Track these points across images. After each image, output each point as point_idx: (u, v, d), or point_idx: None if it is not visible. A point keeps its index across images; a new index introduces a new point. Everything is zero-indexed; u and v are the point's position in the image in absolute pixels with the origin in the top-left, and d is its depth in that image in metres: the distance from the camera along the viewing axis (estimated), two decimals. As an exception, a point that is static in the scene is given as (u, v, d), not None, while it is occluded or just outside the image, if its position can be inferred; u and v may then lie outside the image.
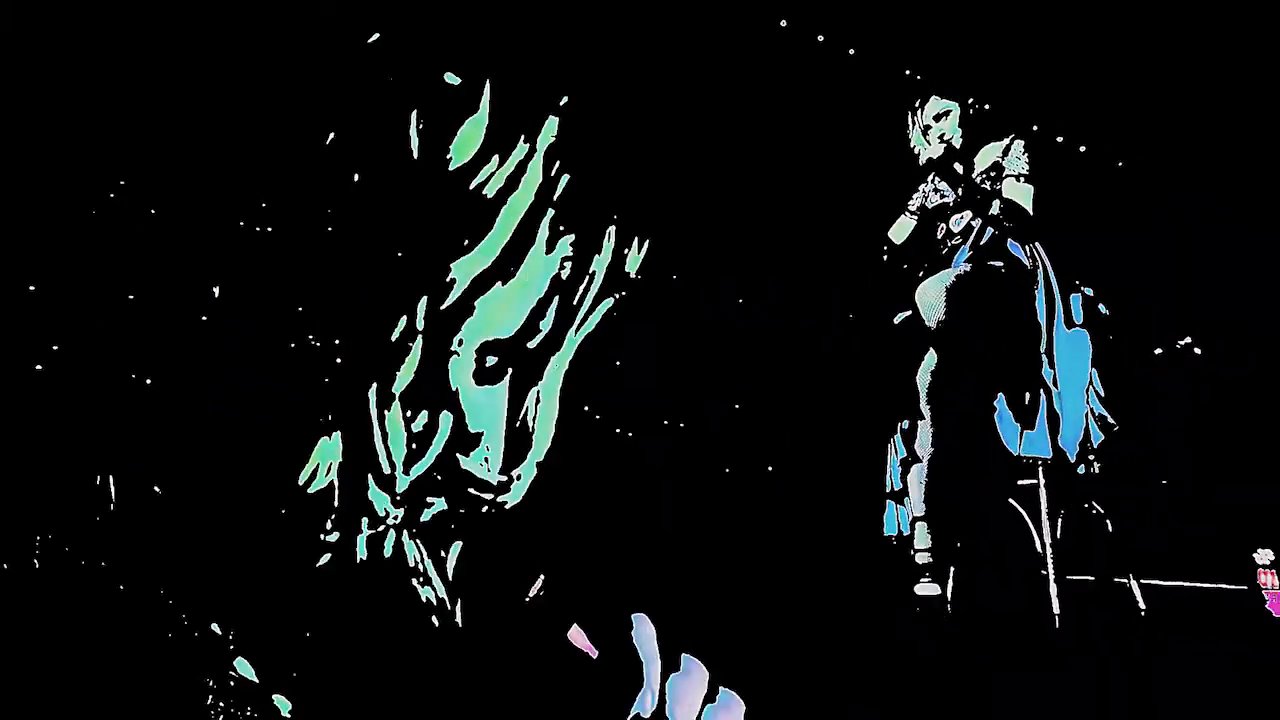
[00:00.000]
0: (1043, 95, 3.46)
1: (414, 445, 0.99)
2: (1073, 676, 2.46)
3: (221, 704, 0.83)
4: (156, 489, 0.92)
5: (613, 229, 1.03)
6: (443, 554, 1.06)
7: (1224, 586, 2.66)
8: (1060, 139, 3.51)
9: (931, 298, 2.78)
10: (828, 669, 2.41)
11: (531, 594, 1.17)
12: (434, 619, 1.03)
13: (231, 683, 0.85)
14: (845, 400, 3.09)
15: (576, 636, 1.16)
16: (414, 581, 1.02)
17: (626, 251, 1.06)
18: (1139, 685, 2.34)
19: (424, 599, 1.03)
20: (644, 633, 1.20)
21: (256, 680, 0.88)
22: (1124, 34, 3.57)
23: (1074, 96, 3.55)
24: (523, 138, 0.96)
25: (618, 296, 1.08)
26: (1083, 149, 3.57)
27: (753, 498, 3.18)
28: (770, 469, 3.09)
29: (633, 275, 1.07)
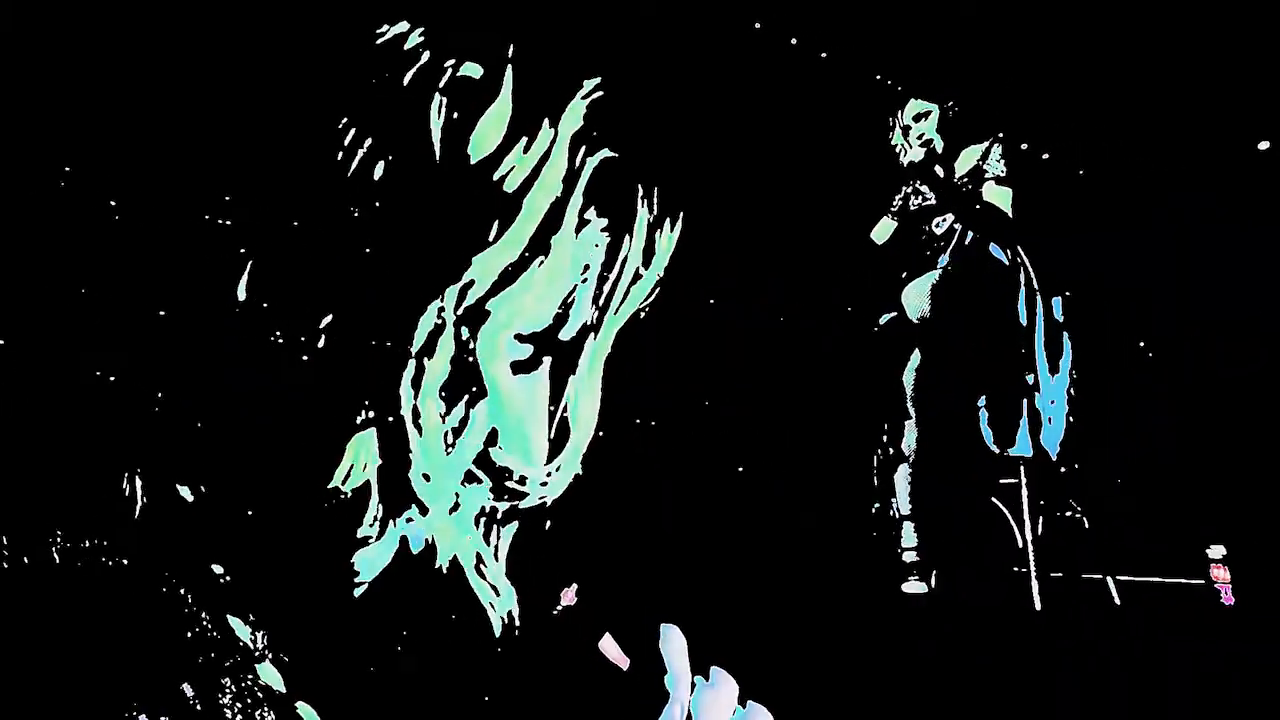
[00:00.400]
0: (1041, 95, 3.51)
1: (451, 441, 0.98)
2: (1058, 672, 2.53)
3: (242, 709, 0.84)
4: (179, 489, 0.93)
5: (644, 216, 1.02)
6: (483, 554, 1.05)
7: (1188, 581, 2.73)
8: (1059, 139, 3.55)
9: (916, 299, 2.85)
10: (820, 668, 2.49)
11: (565, 603, 1.15)
12: (471, 624, 1.03)
13: (254, 688, 0.87)
14: (834, 401, 3.15)
15: (607, 646, 1.14)
16: (452, 584, 1.02)
17: (658, 237, 1.05)
18: (1117, 680, 2.41)
19: (462, 603, 1.02)
20: (674, 644, 1.17)
21: (283, 688, 0.90)
22: (1124, 33, 3.61)
23: (1073, 96, 3.60)
24: (546, 122, 0.96)
25: (657, 283, 1.07)
26: (1082, 150, 3.62)
27: (750, 498, 3.24)
28: (741, 469, 3.15)
29: (664, 264, 1.07)
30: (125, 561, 0.83)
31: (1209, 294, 3.59)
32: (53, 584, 0.80)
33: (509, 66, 0.92)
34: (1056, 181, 3.46)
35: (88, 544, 0.84)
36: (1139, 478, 3.08)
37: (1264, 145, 3.54)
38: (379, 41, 0.95)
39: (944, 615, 2.75)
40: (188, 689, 0.78)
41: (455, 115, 0.90)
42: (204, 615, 0.82)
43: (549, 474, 0.99)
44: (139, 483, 0.89)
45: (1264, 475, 3.06)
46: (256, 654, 0.85)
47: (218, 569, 0.86)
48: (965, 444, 2.84)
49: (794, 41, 3.17)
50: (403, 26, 0.96)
